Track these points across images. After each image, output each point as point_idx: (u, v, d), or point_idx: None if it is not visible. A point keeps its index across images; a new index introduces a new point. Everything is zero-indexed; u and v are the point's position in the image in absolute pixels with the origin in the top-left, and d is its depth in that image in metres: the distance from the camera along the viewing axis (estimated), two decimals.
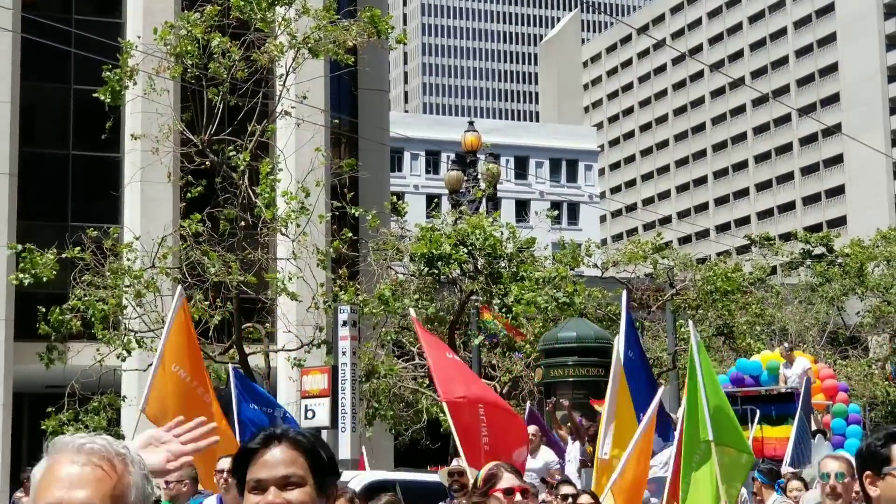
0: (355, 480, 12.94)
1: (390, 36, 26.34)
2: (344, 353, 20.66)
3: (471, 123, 32.58)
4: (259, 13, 24.49)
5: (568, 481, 11.71)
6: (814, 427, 21.61)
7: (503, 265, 25.66)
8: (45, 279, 23.16)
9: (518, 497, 5.69)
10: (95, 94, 24.98)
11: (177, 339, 12.83)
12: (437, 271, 24.77)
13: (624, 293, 15.38)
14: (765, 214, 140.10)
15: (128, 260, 24.49)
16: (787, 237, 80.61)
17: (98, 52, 29.57)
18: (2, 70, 35.88)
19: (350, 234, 24.62)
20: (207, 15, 24.21)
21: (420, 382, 30.39)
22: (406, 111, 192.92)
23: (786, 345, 25.33)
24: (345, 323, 20.97)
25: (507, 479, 5.72)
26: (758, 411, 21.99)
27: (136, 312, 24.13)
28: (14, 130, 36.09)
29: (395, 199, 29.03)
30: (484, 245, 24.60)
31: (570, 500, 10.74)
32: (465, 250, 24.69)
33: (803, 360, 24.16)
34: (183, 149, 25.58)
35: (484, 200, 29.42)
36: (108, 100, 24.81)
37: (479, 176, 29.04)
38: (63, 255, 23.48)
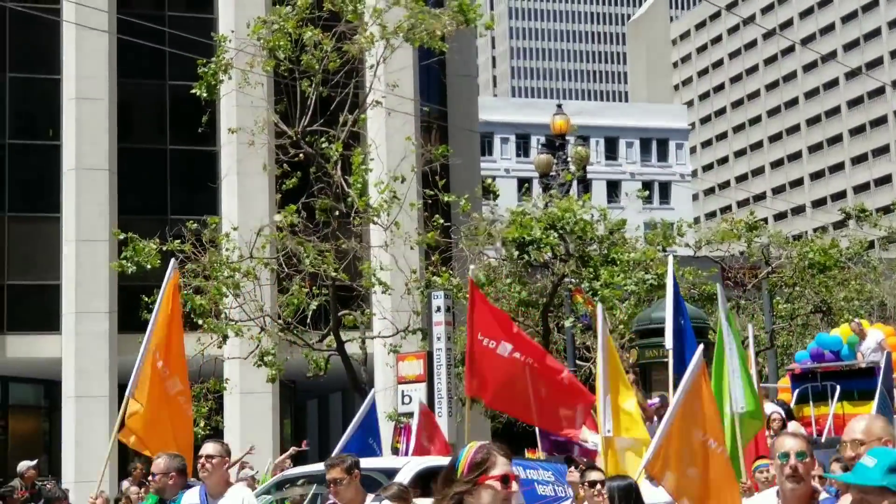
0: (407, 467, 12.05)
1: (478, 23, 26.51)
2: (439, 339, 20.93)
3: (559, 107, 32.64)
4: (350, 4, 24.79)
5: (594, 467, 10.79)
6: None
7: (594, 248, 25.74)
8: (148, 267, 23.71)
9: (515, 486, 4.69)
10: (192, 91, 25.50)
11: (164, 317, 12.85)
12: (528, 255, 24.94)
13: (670, 263, 15.06)
14: (861, 189, 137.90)
15: (226, 250, 24.99)
16: (884, 210, 79.39)
17: (192, 48, 30.13)
18: (98, 68, 36.71)
19: (441, 221, 24.87)
20: (299, 8, 24.57)
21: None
22: (495, 95, 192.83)
23: (857, 320, 24.46)
24: (439, 308, 21.24)
25: (502, 465, 4.68)
26: (838, 387, 21.55)
27: (236, 302, 24.62)
28: (112, 127, 36.91)
29: (489, 180, 29.19)
30: (574, 228, 24.71)
31: (597, 486, 10.05)
32: (556, 234, 24.82)
33: (876, 332, 23.32)
34: (277, 141, 26.00)
35: (574, 183, 29.49)
36: (204, 94, 25.31)
37: (569, 159, 29.12)
38: (164, 248, 24.02)
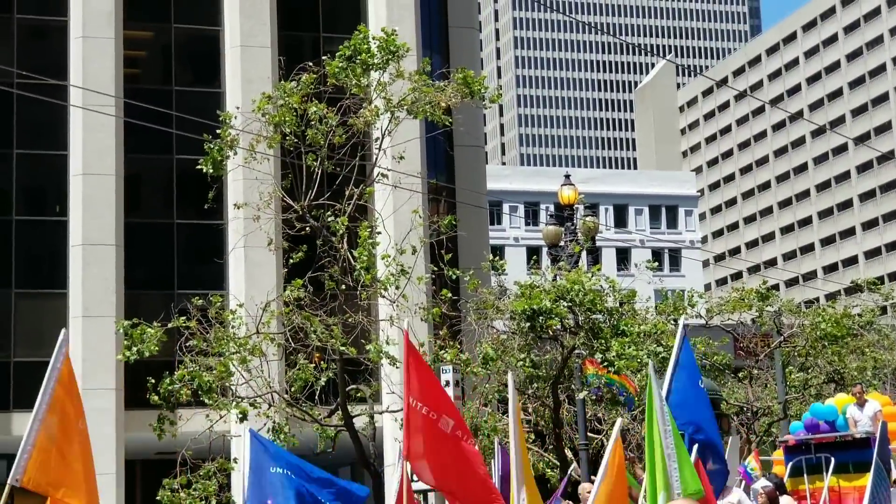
0: None
1: (484, 95, 26.48)
2: None
3: (567, 177, 32.53)
4: (355, 79, 24.79)
5: None
6: (894, 475, 20.64)
7: (603, 320, 25.53)
8: (146, 354, 23.56)
9: None
10: (199, 167, 25.45)
11: (68, 390, 11.49)
12: (538, 327, 24.73)
13: (681, 325, 14.64)
14: (872, 254, 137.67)
15: (232, 327, 24.80)
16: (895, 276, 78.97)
17: (198, 122, 30.15)
18: (106, 143, 36.77)
19: (449, 295, 24.68)
20: (304, 83, 24.57)
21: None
22: (503, 163, 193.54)
23: (859, 385, 23.96)
24: (447, 383, 21.04)
25: None
26: (833, 459, 21.13)
27: (243, 378, 24.38)
28: (119, 202, 36.90)
29: (494, 257, 29.05)
30: (583, 300, 24.52)
31: None
32: (566, 305, 24.62)
33: (874, 403, 22.82)
34: (284, 215, 25.89)
35: (583, 253, 29.32)
36: (210, 171, 25.25)
37: (577, 230, 28.97)
38: (169, 325, 23.84)
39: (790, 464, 22.12)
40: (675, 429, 11.79)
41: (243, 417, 23.89)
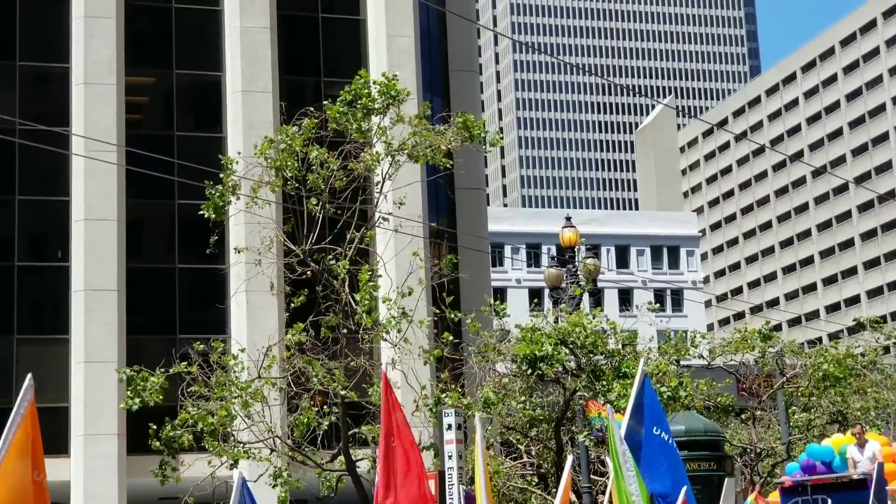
0: None
1: (485, 138, 26.59)
2: (450, 457, 20.59)
3: (568, 219, 32.62)
4: (355, 123, 24.90)
5: None
6: None
7: (605, 362, 25.53)
8: (151, 404, 23.59)
9: None
10: (200, 212, 25.52)
11: (26, 437, 11.15)
12: (539, 371, 24.73)
13: (640, 367, 14.52)
14: (874, 293, 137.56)
15: (234, 371, 24.78)
16: None
17: (200, 166, 30.24)
18: (107, 189, 36.86)
19: (451, 338, 24.69)
20: (305, 128, 24.69)
21: (529, 481, 30.19)
22: (505, 205, 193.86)
23: (859, 426, 23.29)
24: (450, 426, 20.94)
25: None
26: (829, 501, 20.89)
27: (245, 423, 24.35)
28: (121, 247, 36.94)
29: (496, 299, 29.05)
30: (585, 343, 24.52)
31: None
32: (567, 349, 24.63)
33: (874, 444, 22.30)
34: (285, 259, 25.93)
35: (585, 295, 29.34)
36: (212, 216, 25.32)
37: (578, 272, 29.01)
38: (171, 371, 23.85)
39: None
40: (638, 473, 11.85)
41: (234, 463, 23.84)
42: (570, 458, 12.52)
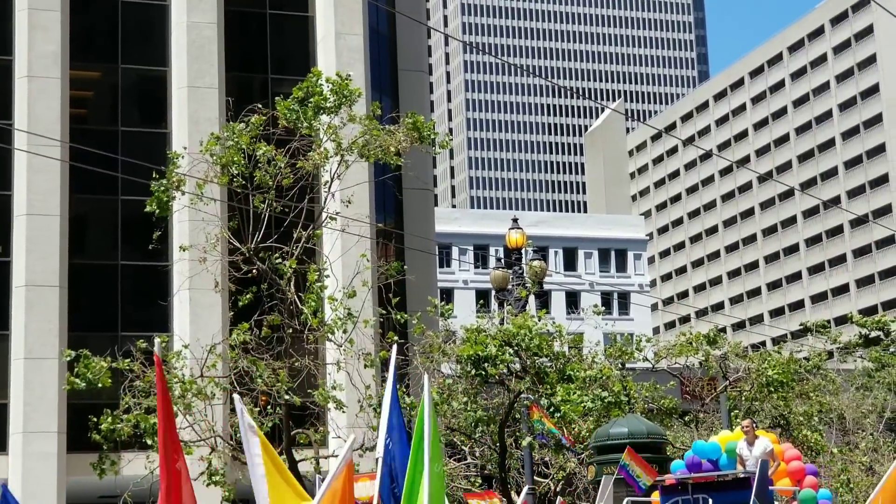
0: None
1: (434, 140, 26.52)
2: None
3: (515, 221, 32.60)
4: (306, 121, 24.76)
5: None
6: None
7: (549, 364, 25.51)
8: (100, 385, 23.28)
9: None
10: (146, 209, 25.28)
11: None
12: (483, 372, 24.67)
13: (394, 349, 13.71)
14: (818, 298, 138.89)
15: (175, 369, 24.56)
16: (842, 320, 79.73)
17: (146, 162, 29.97)
18: (51, 184, 36.43)
19: (396, 338, 24.60)
20: (253, 125, 24.51)
21: (472, 482, 30.12)
22: (454, 206, 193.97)
23: (749, 420, 21.85)
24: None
25: None
26: (710, 501, 19.41)
27: (187, 421, 24.13)
28: (63, 243, 36.53)
29: (443, 300, 28.98)
30: (530, 345, 24.49)
31: None
32: (512, 351, 24.59)
33: (764, 440, 20.81)
34: (230, 257, 25.73)
35: (532, 297, 29.32)
36: (156, 211, 25.08)
37: (525, 274, 28.99)
38: (113, 365, 23.59)
39: None
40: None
41: None
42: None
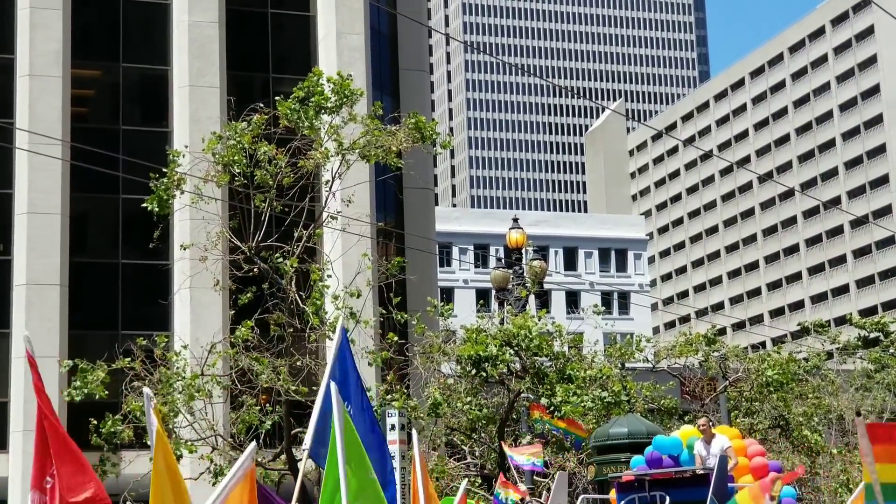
0: None
1: (436, 140, 26.54)
2: (393, 458, 20.52)
3: (515, 220, 32.61)
4: (307, 121, 24.78)
5: None
6: None
7: (549, 364, 25.54)
8: (97, 396, 23.34)
9: None
10: (144, 205, 25.30)
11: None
12: (484, 373, 24.71)
13: (339, 326, 12.46)
14: (818, 298, 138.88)
15: (177, 368, 24.59)
16: (842, 321, 79.71)
17: (146, 161, 30.00)
18: (52, 182, 36.46)
19: (396, 338, 24.62)
20: (254, 124, 24.53)
21: (472, 482, 30.14)
22: (454, 205, 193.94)
23: (705, 418, 21.09)
24: (393, 427, 20.85)
25: None
26: (668, 498, 18.80)
27: (188, 420, 24.16)
28: (64, 241, 36.55)
29: (443, 299, 29.01)
30: (530, 345, 24.53)
31: None
32: (512, 351, 24.62)
33: (722, 438, 20.08)
34: (231, 256, 25.76)
35: (532, 296, 29.34)
36: (156, 209, 25.10)
37: (525, 274, 29.02)
38: (113, 367, 23.61)
39: (621, 503, 19.62)
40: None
41: (178, 458, 23.64)
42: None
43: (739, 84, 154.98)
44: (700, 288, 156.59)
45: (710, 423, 20.47)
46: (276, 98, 25.67)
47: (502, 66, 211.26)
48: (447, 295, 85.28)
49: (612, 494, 20.37)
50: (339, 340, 12.16)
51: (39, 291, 36.04)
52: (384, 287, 25.52)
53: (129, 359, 23.91)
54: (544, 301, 33.08)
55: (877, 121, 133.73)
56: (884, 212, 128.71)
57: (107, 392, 23.35)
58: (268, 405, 24.41)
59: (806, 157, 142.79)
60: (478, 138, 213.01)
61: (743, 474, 20.03)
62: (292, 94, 25.22)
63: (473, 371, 24.72)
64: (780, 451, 36.22)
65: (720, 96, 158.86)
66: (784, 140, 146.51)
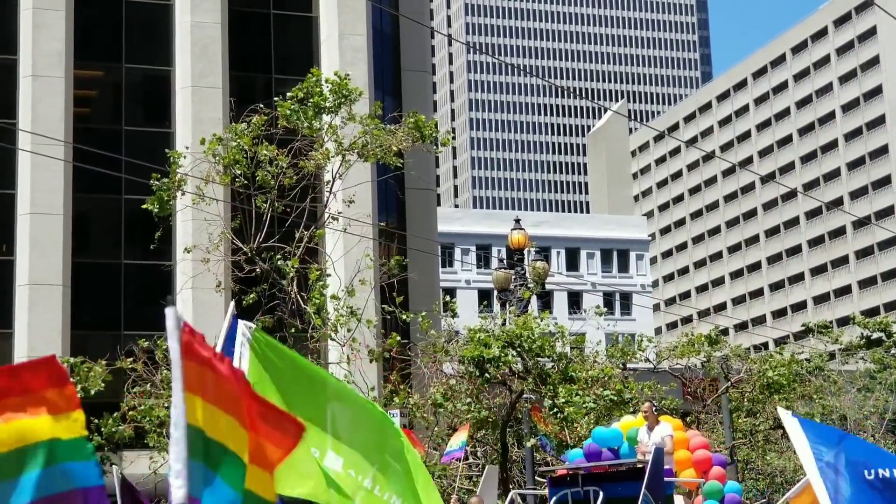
0: None
1: (436, 139, 26.56)
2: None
3: (517, 221, 32.59)
4: (306, 122, 24.81)
5: None
6: None
7: (551, 366, 25.53)
8: (93, 392, 23.34)
9: None
10: (144, 206, 25.33)
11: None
12: (486, 373, 24.71)
13: (231, 307, 11.27)
14: (821, 299, 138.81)
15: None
16: (844, 321, 79.60)
17: (148, 162, 30.03)
18: (54, 183, 36.49)
19: (398, 338, 24.63)
20: (254, 125, 24.56)
21: (475, 482, 30.14)
22: (456, 205, 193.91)
23: (648, 403, 19.62)
24: None
25: None
26: (601, 494, 17.10)
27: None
28: (67, 242, 36.58)
29: (446, 297, 29.04)
30: (532, 346, 24.53)
31: None
32: (514, 352, 24.62)
33: (666, 426, 18.67)
34: (233, 257, 25.78)
35: (534, 297, 29.33)
36: (157, 210, 25.12)
37: (527, 275, 29.00)
38: (114, 366, 23.64)
39: (553, 499, 18.09)
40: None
41: None
42: None
43: (742, 85, 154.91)
44: (702, 289, 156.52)
45: (654, 408, 19.10)
46: (276, 99, 25.71)
47: (505, 67, 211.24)
48: (449, 296, 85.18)
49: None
50: (228, 324, 11.21)
51: (42, 292, 36.07)
52: (386, 287, 25.54)
53: (131, 359, 23.93)
54: (546, 302, 33.08)
55: (879, 122, 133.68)
56: (886, 213, 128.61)
57: (103, 384, 23.34)
58: None
59: (808, 158, 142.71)
60: (480, 139, 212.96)
61: (685, 468, 18.73)
62: (290, 95, 25.25)
63: (476, 372, 24.74)
64: (782, 452, 36.19)
65: (722, 97, 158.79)
66: (786, 141, 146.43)
